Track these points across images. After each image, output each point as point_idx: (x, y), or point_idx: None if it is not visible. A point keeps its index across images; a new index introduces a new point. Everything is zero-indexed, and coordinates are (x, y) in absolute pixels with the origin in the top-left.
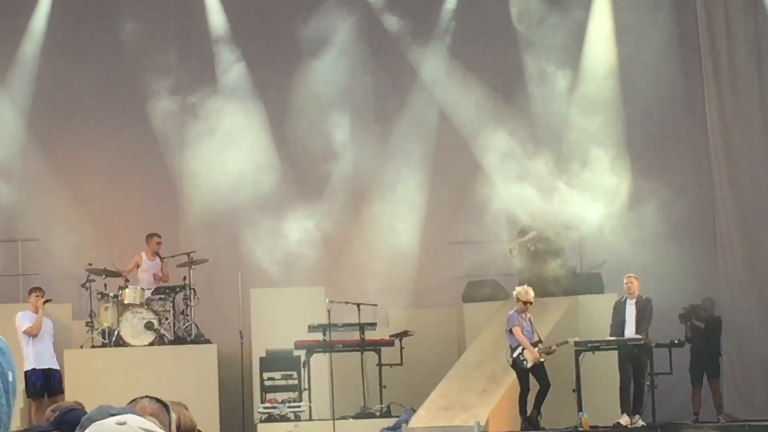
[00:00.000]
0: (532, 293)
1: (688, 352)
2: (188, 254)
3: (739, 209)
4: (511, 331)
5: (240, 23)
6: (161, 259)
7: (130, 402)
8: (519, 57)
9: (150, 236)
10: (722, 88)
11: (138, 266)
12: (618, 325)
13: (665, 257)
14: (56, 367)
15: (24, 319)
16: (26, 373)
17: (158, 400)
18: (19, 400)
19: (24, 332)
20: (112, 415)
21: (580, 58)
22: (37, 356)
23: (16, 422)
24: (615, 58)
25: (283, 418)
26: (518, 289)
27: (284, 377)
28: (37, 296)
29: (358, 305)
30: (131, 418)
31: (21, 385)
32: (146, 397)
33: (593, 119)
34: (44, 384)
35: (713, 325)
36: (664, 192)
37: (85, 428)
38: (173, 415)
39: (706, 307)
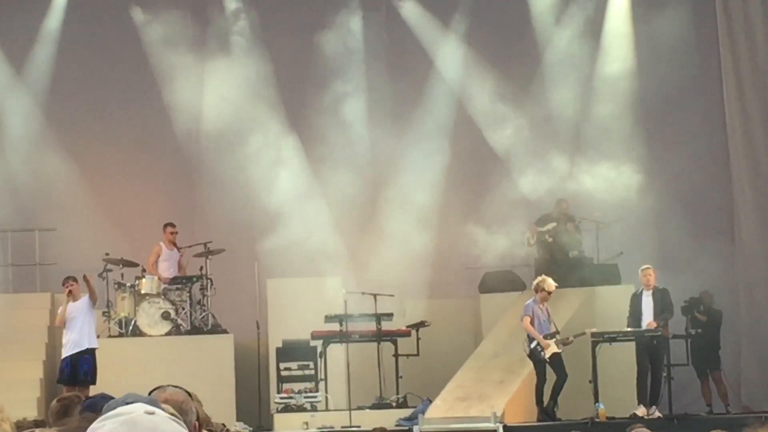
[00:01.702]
0: (553, 283)
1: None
2: (205, 244)
3: (757, 202)
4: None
5: (258, 13)
6: (178, 249)
7: (156, 389)
8: (536, 45)
9: (165, 226)
10: (741, 80)
11: (158, 256)
12: (635, 316)
13: (682, 250)
14: (88, 346)
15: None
16: (60, 361)
17: (183, 389)
18: (36, 390)
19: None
20: (128, 403)
21: (598, 46)
22: (66, 345)
23: (32, 411)
24: (633, 46)
25: (300, 408)
26: (539, 279)
27: (301, 367)
28: (65, 286)
29: (375, 296)
30: (157, 409)
31: (40, 375)
32: (171, 385)
33: (610, 108)
34: (72, 372)
35: (714, 317)
36: (681, 182)
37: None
38: (195, 406)
39: (705, 300)
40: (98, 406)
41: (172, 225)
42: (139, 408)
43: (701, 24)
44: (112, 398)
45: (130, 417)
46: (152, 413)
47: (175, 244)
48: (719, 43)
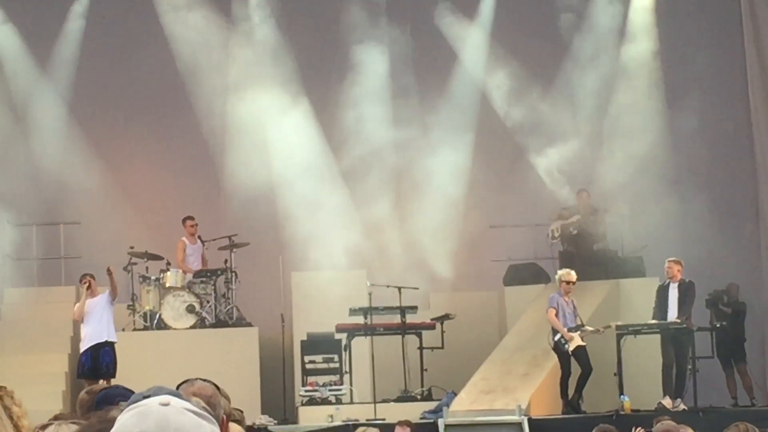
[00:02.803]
0: (573, 273)
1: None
2: (230, 237)
3: None
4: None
5: (284, 14)
6: (202, 242)
7: (185, 381)
8: (560, 39)
9: (184, 220)
10: (765, 66)
11: (185, 251)
12: (661, 309)
13: (707, 242)
14: (106, 338)
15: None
16: (80, 355)
17: (211, 382)
18: (61, 383)
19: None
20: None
21: (623, 34)
22: (85, 338)
23: (57, 405)
24: (657, 32)
25: (324, 401)
26: (560, 272)
27: (325, 360)
28: (83, 283)
29: (400, 288)
30: (174, 399)
31: (65, 368)
32: (199, 378)
33: (635, 101)
34: (93, 366)
35: (739, 310)
36: (706, 174)
37: (131, 405)
38: (223, 400)
39: (730, 293)
40: (116, 397)
41: (191, 218)
42: (155, 399)
43: (725, 9)
44: (128, 390)
45: (143, 408)
46: (167, 404)
47: (199, 237)
48: (743, 27)
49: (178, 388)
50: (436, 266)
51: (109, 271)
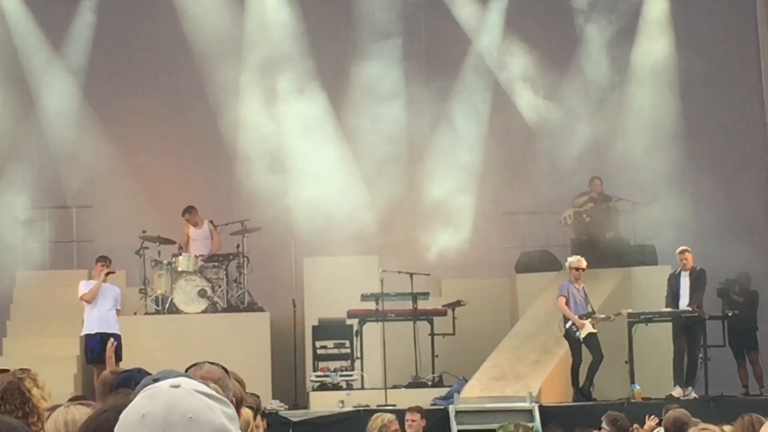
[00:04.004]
0: (583, 260)
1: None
2: (242, 222)
3: None
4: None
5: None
6: (215, 226)
7: (193, 365)
8: (574, 27)
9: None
10: None
11: (188, 237)
12: (673, 297)
13: (719, 230)
14: (116, 332)
15: (84, 286)
16: (85, 337)
17: (221, 366)
18: (73, 366)
19: (80, 298)
20: (156, 380)
21: (636, 26)
22: (94, 321)
23: (69, 388)
24: (671, 27)
25: (336, 387)
26: (570, 259)
27: (337, 346)
28: (103, 265)
29: (411, 275)
30: (185, 381)
31: (76, 351)
32: (207, 362)
33: (648, 90)
34: (102, 349)
35: (751, 298)
36: (718, 163)
37: (143, 388)
38: (236, 385)
39: (742, 282)
40: (133, 381)
41: (187, 210)
42: (167, 382)
43: (740, 5)
44: (147, 372)
45: (154, 390)
46: (177, 386)
47: (211, 221)
48: (758, 24)
49: (186, 371)
50: (449, 253)
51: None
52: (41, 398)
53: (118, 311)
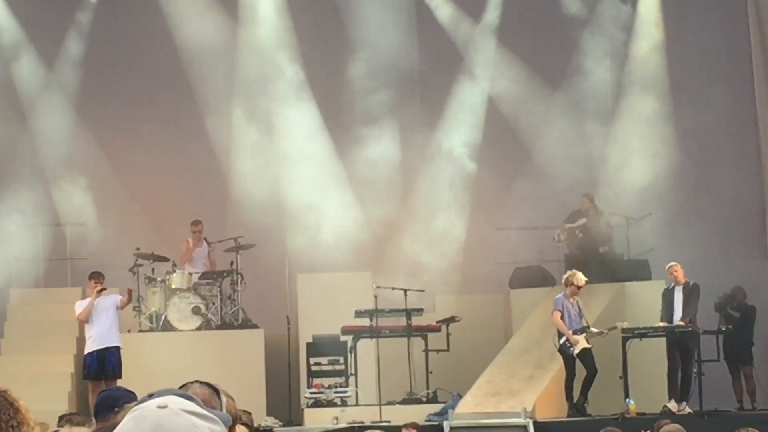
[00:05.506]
0: (583, 277)
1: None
2: (235, 239)
3: None
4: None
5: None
6: (209, 244)
7: (181, 387)
8: (567, 41)
9: (191, 224)
10: None
11: (187, 250)
12: (667, 312)
13: (714, 245)
14: (115, 344)
15: (79, 307)
16: (84, 356)
17: (209, 385)
18: (67, 384)
19: (77, 319)
20: (150, 396)
21: (627, 39)
22: (93, 341)
23: (63, 405)
24: (663, 38)
25: (330, 403)
26: (569, 273)
27: (331, 362)
28: (96, 282)
29: (405, 291)
30: (173, 401)
31: (71, 369)
32: (197, 381)
33: (642, 103)
34: (99, 367)
35: (747, 313)
36: (712, 177)
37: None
38: (224, 400)
39: (738, 296)
40: (116, 400)
41: (195, 223)
42: (154, 402)
43: (731, 10)
44: (128, 391)
45: (141, 411)
46: (164, 406)
47: (205, 239)
48: (749, 28)
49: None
50: (442, 269)
51: (129, 291)
52: (26, 410)
53: (123, 303)
